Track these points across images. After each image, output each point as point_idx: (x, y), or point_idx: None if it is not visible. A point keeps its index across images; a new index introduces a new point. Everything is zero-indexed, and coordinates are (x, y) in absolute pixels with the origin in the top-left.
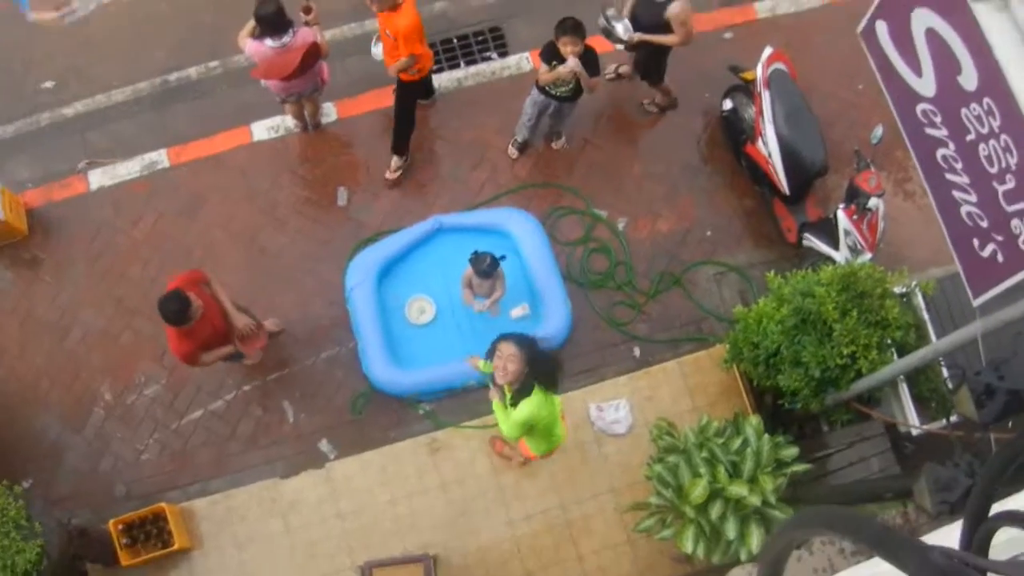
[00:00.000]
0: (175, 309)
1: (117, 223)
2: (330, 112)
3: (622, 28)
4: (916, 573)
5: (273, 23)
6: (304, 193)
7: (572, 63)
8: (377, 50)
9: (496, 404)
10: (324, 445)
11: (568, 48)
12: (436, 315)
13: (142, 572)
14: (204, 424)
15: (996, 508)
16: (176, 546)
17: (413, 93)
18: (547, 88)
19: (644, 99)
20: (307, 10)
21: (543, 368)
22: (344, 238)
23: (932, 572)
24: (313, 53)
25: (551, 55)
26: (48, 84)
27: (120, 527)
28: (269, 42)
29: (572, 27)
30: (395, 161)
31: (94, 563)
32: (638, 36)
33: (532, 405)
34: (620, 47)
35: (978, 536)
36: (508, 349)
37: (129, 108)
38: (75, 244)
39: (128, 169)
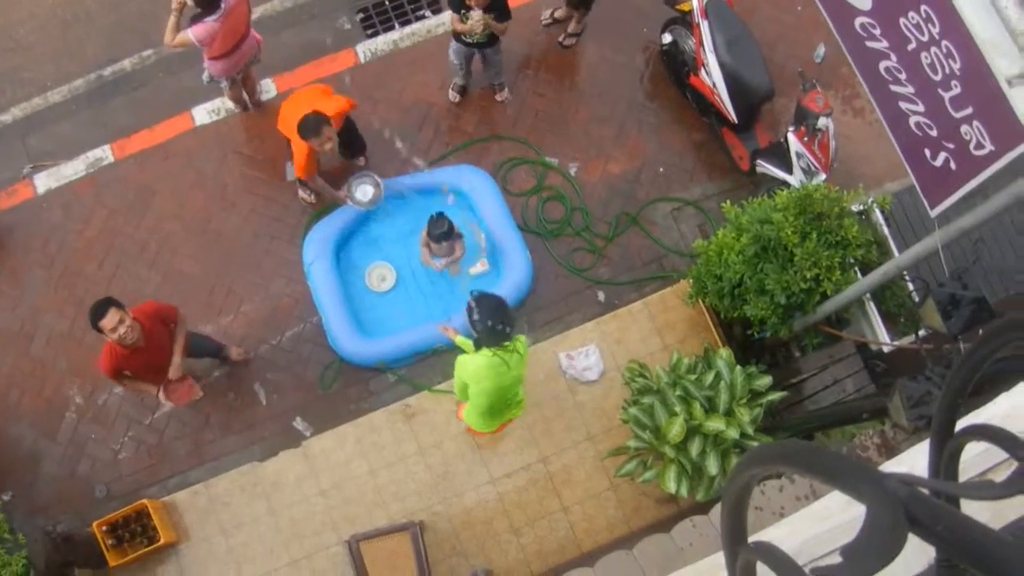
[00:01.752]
0: (93, 310)
1: (68, 224)
2: (269, 88)
3: None
4: (872, 504)
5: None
6: (252, 172)
7: (476, 16)
8: (363, 198)
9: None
10: (299, 423)
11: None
12: (397, 281)
13: (131, 571)
14: (177, 416)
15: (969, 421)
16: (162, 541)
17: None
18: (463, 37)
19: (559, 37)
20: None
21: (478, 311)
22: (297, 213)
23: (889, 502)
24: (248, 12)
25: (459, 3)
26: None
27: (104, 528)
28: (210, 17)
29: None
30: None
31: (83, 568)
32: None
33: (467, 363)
34: None
35: (946, 455)
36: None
37: (67, 107)
38: (29, 251)
39: (73, 169)
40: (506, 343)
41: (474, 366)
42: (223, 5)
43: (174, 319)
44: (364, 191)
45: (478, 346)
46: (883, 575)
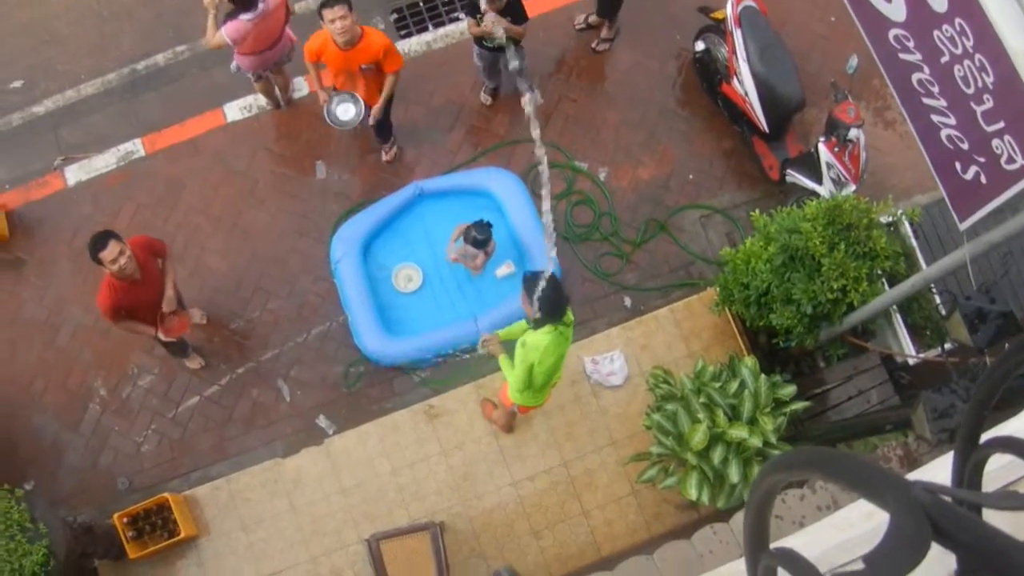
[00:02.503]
0: (93, 245)
1: (97, 217)
2: (301, 86)
3: None
4: (896, 511)
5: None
6: (282, 170)
7: (491, 18)
8: (343, 116)
9: (502, 359)
10: (322, 421)
11: (485, 3)
12: (423, 282)
13: (151, 564)
14: (201, 410)
15: (993, 434)
16: (182, 535)
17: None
18: (484, 42)
19: (592, 42)
20: None
21: (537, 291)
22: (326, 212)
23: (913, 510)
24: (287, 13)
25: (473, 8)
26: (17, 84)
27: (125, 520)
28: (246, 16)
29: None
30: (386, 144)
31: (102, 559)
32: None
33: (538, 340)
34: None
35: (970, 466)
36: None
37: (100, 100)
38: (57, 242)
39: (104, 162)
40: (564, 316)
41: (544, 345)
42: (260, 6)
43: (164, 252)
44: (346, 109)
45: (539, 324)
46: None
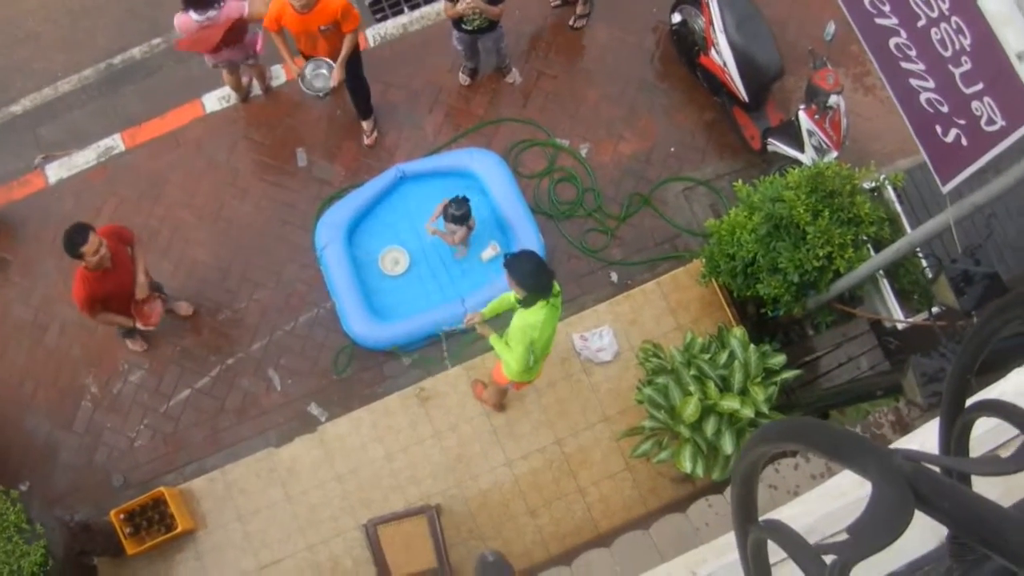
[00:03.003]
0: (72, 240)
1: (80, 214)
2: (279, 74)
3: None
4: (878, 481)
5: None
6: (263, 159)
7: (464, 1)
8: (318, 83)
9: (492, 339)
10: (314, 408)
11: None
12: (410, 264)
13: (150, 559)
14: (192, 403)
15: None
16: (180, 528)
17: (359, 54)
18: (462, 25)
19: (568, 20)
20: None
21: (521, 272)
22: (309, 199)
23: (895, 479)
24: (239, 28)
25: None
26: None
27: (122, 517)
28: (193, 15)
29: None
30: (367, 125)
31: (101, 556)
32: None
33: (528, 318)
34: None
35: (956, 430)
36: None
37: (77, 97)
38: (41, 241)
39: (85, 158)
40: (552, 289)
41: (537, 321)
42: (212, 14)
43: (131, 239)
44: (320, 76)
45: (529, 303)
46: (896, 551)
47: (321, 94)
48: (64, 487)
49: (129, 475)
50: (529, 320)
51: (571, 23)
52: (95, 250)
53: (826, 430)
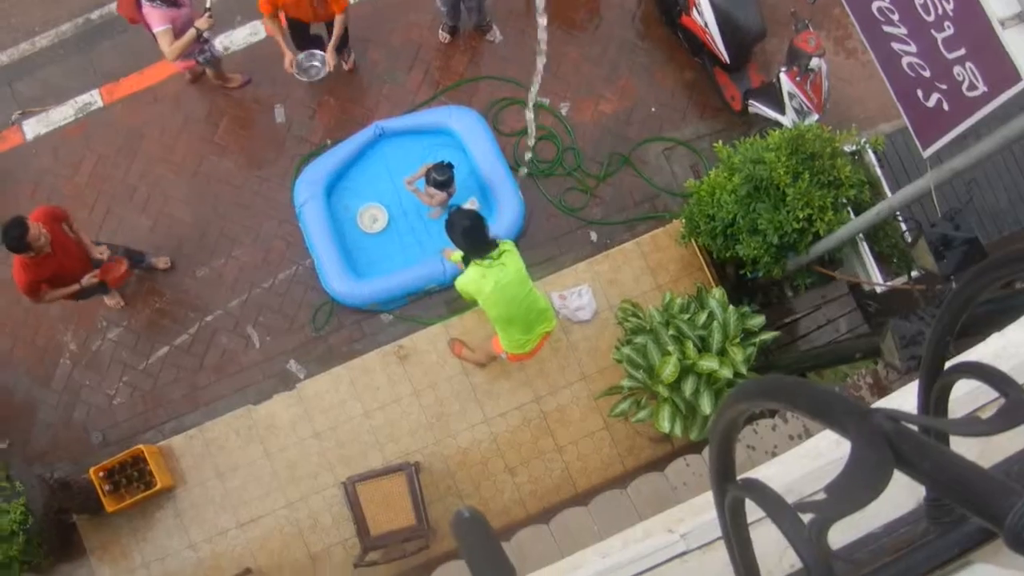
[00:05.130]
0: (14, 235)
1: (58, 170)
2: (258, 30)
3: None
4: (858, 439)
5: None
6: (242, 115)
7: None
8: (313, 73)
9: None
10: (292, 366)
11: None
12: (389, 222)
13: (129, 516)
14: (171, 360)
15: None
16: (159, 486)
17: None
18: None
19: None
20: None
21: (453, 231)
22: (287, 155)
23: (875, 438)
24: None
25: None
26: None
27: (101, 474)
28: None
29: None
30: (343, 52)
31: (81, 514)
32: None
33: (463, 279)
34: None
35: (935, 392)
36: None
37: (55, 52)
38: (19, 197)
39: (62, 114)
40: (488, 252)
41: (468, 277)
42: (181, 11)
43: (65, 217)
44: (313, 66)
45: (466, 262)
46: (873, 512)
47: (314, 80)
48: (43, 445)
49: (108, 432)
50: (464, 279)
51: None
52: (37, 238)
53: (806, 388)
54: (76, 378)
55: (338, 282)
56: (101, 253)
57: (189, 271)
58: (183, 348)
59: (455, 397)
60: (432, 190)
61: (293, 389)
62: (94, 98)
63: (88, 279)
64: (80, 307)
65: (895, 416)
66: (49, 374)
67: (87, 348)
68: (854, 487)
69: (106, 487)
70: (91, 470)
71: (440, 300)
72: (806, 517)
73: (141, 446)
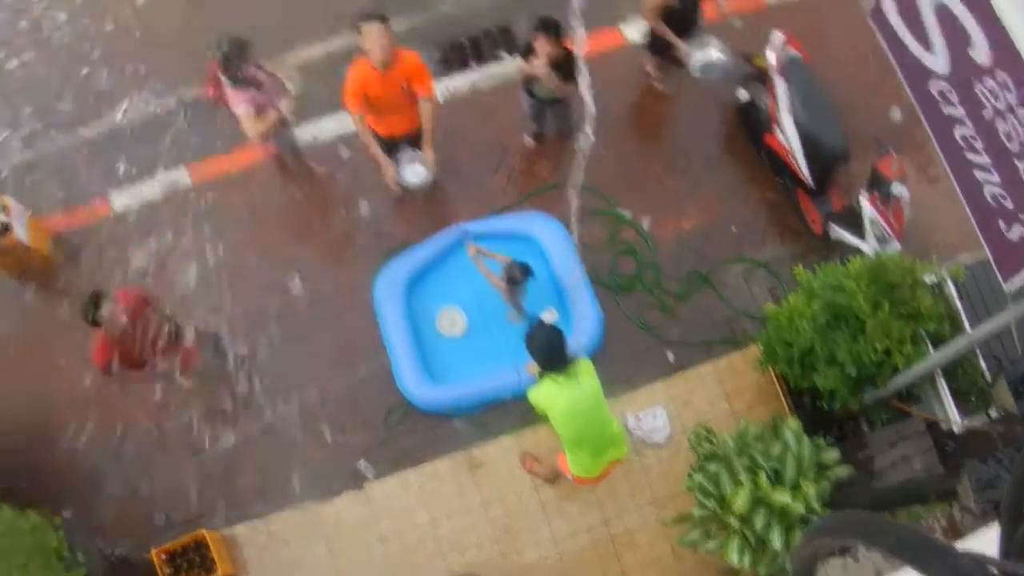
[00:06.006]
0: (86, 306)
1: (138, 244)
2: (346, 121)
3: None
4: None
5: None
6: (327, 206)
7: (540, 63)
8: (414, 179)
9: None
10: (362, 465)
11: (541, 47)
12: (468, 326)
13: None
14: (242, 448)
15: None
16: (220, 573)
17: None
18: (532, 90)
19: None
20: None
21: (531, 344)
22: (370, 251)
23: None
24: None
25: (527, 49)
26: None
27: (163, 556)
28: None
29: (545, 25)
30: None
31: None
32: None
33: (536, 392)
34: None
35: (1017, 538)
36: None
37: (146, 128)
38: (102, 269)
39: (151, 190)
40: (565, 368)
41: (543, 390)
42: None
43: (147, 301)
44: (415, 171)
45: (541, 376)
46: None
47: (417, 189)
48: (106, 519)
49: (172, 514)
50: (538, 391)
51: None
52: (112, 318)
53: (891, 527)
54: (145, 455)
55: (413, 385)
56: (187, 340)
57: (267, 360)
58: (254, 438)
59: (524, 512)
60: (501, 281)
61: (361, 489)
62: (182, 176)
63: (160, 363)
64: (156, 386)
65: (982, 560)
66: (120, 448)
67: (161, 427)
68: None
69: (167, 570)
70: (153, 551)
71: (514, 410)
72: None
73: (204, 531)
